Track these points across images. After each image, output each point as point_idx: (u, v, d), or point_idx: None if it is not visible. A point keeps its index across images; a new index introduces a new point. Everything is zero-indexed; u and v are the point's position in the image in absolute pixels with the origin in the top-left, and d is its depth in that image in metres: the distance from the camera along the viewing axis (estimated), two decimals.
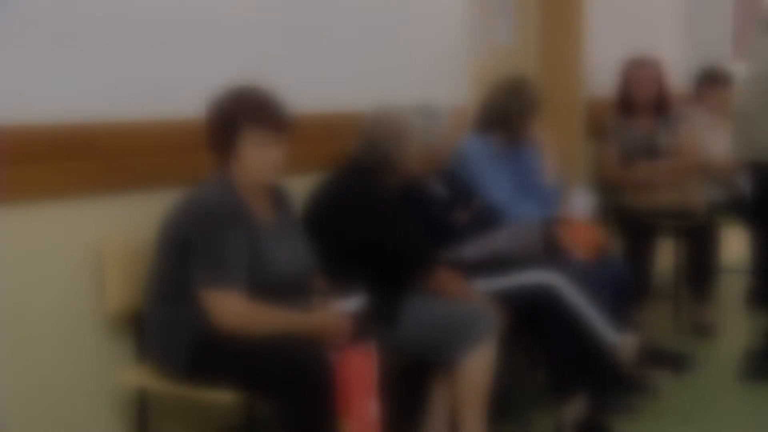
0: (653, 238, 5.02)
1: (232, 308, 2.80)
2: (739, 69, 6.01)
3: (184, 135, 3.14)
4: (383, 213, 3.36)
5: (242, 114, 2.91)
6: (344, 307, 3.00)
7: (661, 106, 5.01)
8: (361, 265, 3.25)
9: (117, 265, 3.02)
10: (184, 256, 2.84)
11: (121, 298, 3.03)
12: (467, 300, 3.39)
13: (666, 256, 5.40)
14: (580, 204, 4.13)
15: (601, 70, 5.30)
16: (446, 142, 3.74)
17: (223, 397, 2.79)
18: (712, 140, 5.25)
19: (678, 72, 5.94)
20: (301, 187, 3.41)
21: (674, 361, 4.23)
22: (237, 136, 2.91)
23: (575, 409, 3.56)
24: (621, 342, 3.64)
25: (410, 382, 3.60)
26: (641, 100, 4.99)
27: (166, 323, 2.89)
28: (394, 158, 3.41)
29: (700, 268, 5.02)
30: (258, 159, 2.93)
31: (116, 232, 3.04)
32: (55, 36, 2.85)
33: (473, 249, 3.64)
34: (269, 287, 2.86)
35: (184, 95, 3.13)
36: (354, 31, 3.89)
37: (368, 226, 3.30)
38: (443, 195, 3.79)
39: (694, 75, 5.62)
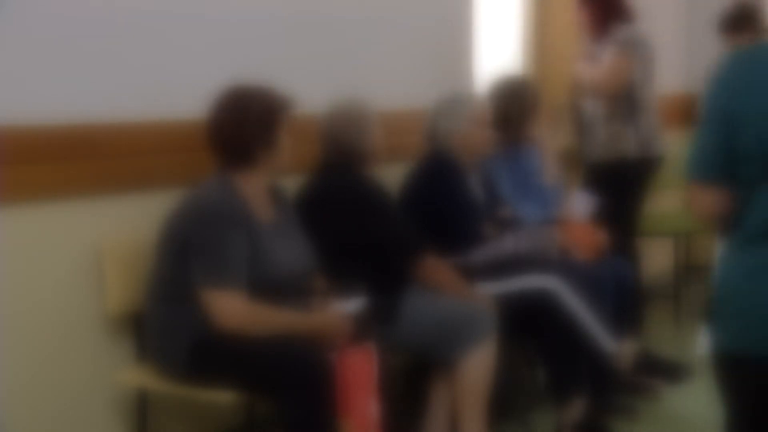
0: None
1: (232, 308, 2.80)
2: None
3: (184, 135, 3.14)
4: (364, 206, 3.37)
5: (275, 106, 2.96)
6: (344, 308, 3.00)
7: None
8: (355, 264, 3.25)
9: (117, 265, 3.02)
10: (185, 257, 2.84)
11: (121, 298, 3.03)
12: (458, 292, 3.40)
13: (666, 257, 5.41)
14: (581, 205, 4.13)
15: None
16: (476, 130, 3.78)
17: (223, 398, 2.79)
18: None
19: (678, 73, 5.94)
20: (298, 187, 3.42)
21: (671, 370, 4.23)
22: (277, 128, 2.95)
23: (575, 410, 3.56)
24: (618, 350, 3.64)
25: (410, 382, 3.61)
26: None
27: (167, 324, 2.89)
28: (359, 149, 3.43)
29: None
30: (288, 147, 3.00)
31: (116, 232, 3.04)
32: (55, 36, 2.85)
33: (480, 252, 3.64)
34: (270, 287, 2.87)
35: (184, 95, 3.13)
36: (352, 32, 3.88)
37: (351, 222, 3.31)
38: (481, 198, 3.82)
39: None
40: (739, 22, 5.21)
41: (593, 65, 4.51)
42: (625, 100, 4.46)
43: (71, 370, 2.98)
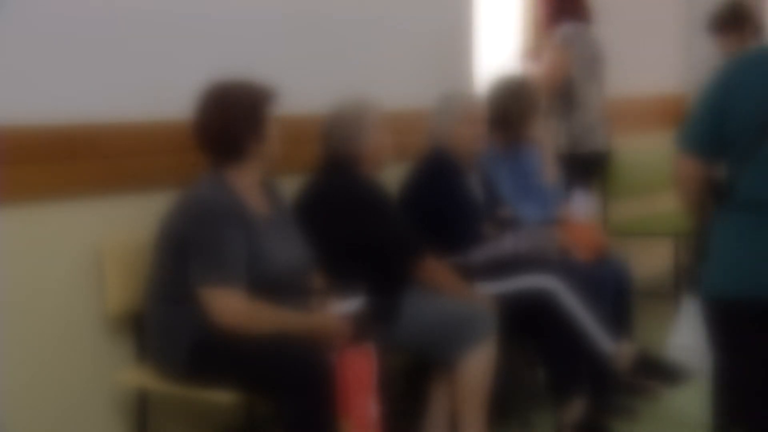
0: None
1: (232, 306, 2.80)
2: None
3: (184, 135, 3.14)
4: (363, 207, 3.38)
5: (261, 98, 2.96)
6: (344, 308, 3.00)
7: None
8: (355, 264, 3.25)
9: (117, 265, 3.02)
10: (183, 256, 2.84)
11: (121, 298, 3.03)
12: (458, 292, 3.40)
13: (666, 257, 5.40)
14: (581, 205, 4.13)
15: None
16: (469, 128, 3.77)
17: (223, 398, 2.79)
18: None
19: (675, 74, 5.94)
20: (297, 187, 3.42)
21: (670, 371, 4.22)
22: (264, 120, 2.95)
23: (575, 410, 3.56)
24: (617, 350, 3.64)
25: (410, 382, 3.61)
26: None
27: (166, 323, 2.89)
28: (359, 149, 3.43)
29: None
30: (277, 139, 3.00)
31: (116, 232, 3.04)
32: (55, 36, 2.85)
33: (479, 252, 3.64)
34: (268, 284, 2.86)
35: (184, 96, 3.12)
36: (352, 33, 3.88)
37: (351, 222, 3.31)
38: (480, 198, 3.82)
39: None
40: (726, 24, 5.24)
41: (536, 62, 4.55)
42: (561, 97, 4.49)
43: (71, 370, 2.98)
